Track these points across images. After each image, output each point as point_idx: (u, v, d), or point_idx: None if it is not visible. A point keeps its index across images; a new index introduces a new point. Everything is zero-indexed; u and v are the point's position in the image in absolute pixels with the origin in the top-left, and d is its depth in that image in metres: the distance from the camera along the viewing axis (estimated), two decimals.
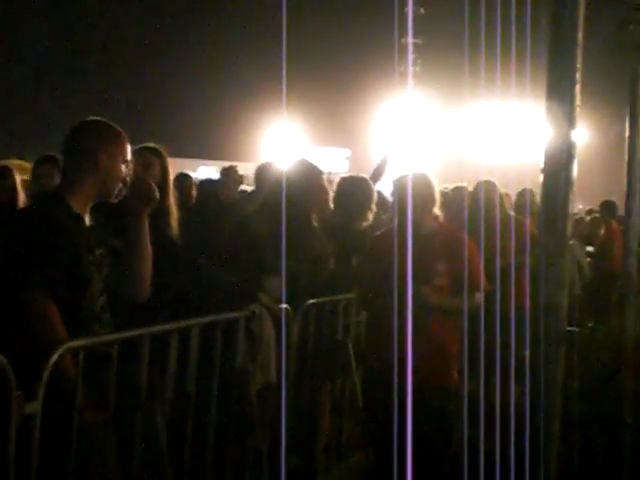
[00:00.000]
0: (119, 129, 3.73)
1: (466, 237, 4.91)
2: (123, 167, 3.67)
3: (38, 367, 3.28)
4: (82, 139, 3.67)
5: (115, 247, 3.80)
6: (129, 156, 3.73)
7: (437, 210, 5.12)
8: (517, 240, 5.22)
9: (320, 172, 5.44)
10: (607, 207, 11.50)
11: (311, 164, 5.40)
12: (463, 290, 4.79)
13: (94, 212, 3.69)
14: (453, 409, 4.92)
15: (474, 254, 4.85)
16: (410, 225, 4.37)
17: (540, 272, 2.42)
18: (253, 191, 7.33)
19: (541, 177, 2.49)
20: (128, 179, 3.73)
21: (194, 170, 26.10)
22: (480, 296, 4.85)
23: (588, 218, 12.80)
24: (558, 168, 2.41)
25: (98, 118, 3.76)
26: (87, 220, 3.64)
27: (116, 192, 3.67)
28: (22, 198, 4.56)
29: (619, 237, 9.45)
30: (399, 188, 5.03)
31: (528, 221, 6.30)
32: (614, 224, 10.98)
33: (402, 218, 4.74)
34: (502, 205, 7.04)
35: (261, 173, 6.78)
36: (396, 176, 5.16)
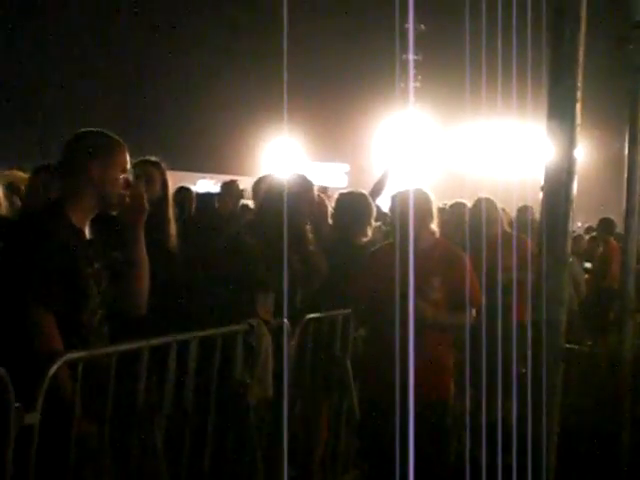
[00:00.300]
0: (116, 138, 3.69)
1: (463, 253, 4.92)
2: (122, 177, 3.64)
3: (37, 378, 3.29)
4: (75, 151, 3.64)
5: (114, 260, 3.79)
6: (128, 165, 3.69)
7: (434, 225, 5.13)
8: (515, 257, 5.22)
9: (311, 184, 5.41)
10: (605, 225, 11.44)
11: (302, 176, 5.38)
12: (458, 305, 4.81)
13: (94, 225, 3.68)
14: (450, 423, 4.92)
15: (471, 270, 4.86)
16: (410, 240, 4.37)
17: (540, 289, 2.43)
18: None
19: (541, 195, 2.50)
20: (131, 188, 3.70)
21: (193, 183, 26.01)
22: (474, 311, 4.86)
23: (587, 237, 12.77)
24: (558, 186, 2.43)
25: (93, 129, 3.72)
26: (87, 232, 3.63)
27: (116, 202, 3.66)
28: (5, 207, 4.56)
29: (618, 255, 9.43)
30: (398, 203, 5.04)
31: (528, 238, 6.30)
32: (613, 242, 10.95)
33: (401, 233, 4.73)
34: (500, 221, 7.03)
35: (259, 187, 6.79)
36: (395, 191, 5.17)
